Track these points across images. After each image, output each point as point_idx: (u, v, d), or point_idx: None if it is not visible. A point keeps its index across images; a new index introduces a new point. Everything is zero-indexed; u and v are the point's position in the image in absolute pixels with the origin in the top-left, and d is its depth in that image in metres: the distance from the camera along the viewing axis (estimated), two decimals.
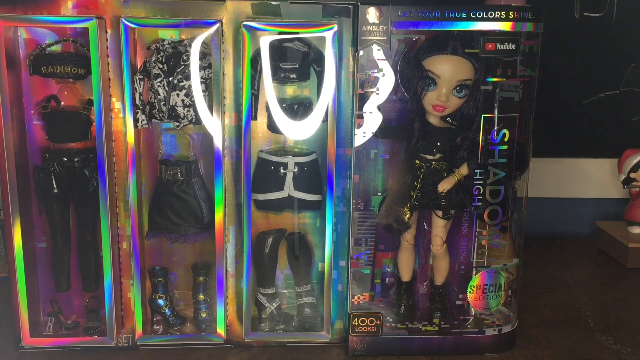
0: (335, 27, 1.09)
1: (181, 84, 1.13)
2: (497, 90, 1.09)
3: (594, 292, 1.49)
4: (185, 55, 1.13)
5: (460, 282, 1.19)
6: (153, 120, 1.16)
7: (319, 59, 1.14)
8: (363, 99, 1.10)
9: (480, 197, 1.14)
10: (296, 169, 1.19)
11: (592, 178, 1.83)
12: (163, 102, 1.14)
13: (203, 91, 1.13)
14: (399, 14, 1.07)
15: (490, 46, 1.07)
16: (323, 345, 1.21)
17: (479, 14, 1.07)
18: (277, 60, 1.14)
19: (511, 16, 1.07)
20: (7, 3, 1.08)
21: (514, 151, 1.13)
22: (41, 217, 1.20)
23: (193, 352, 1.19)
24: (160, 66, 1.13)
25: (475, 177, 1.13)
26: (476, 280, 1.18)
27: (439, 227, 1.16)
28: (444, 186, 1.13)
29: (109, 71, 1.12)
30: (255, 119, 1.18)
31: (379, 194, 1.14)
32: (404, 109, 1.11)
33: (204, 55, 1.13)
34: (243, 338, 1.20)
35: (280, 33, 1.11)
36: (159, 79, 1.13)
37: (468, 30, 1.07)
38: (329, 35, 1.09)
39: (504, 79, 1.09)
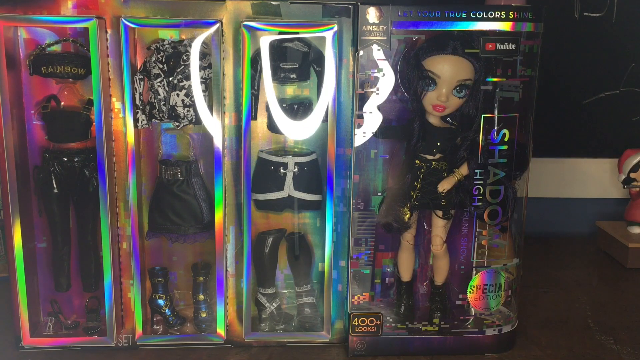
0: (335, 27, 1.09)
1: (181, 84, 1.13)
2: (497, 90, 1.09)
3: (594, 292, 1.49)
4: (185, 55, 1.13)
5: (460, 282, 1.19)
6: (153, 120, 1.16)
7: (319, 59, 1.14)
8: (363, 99, 1.10)
9: (480, 197, 1.14)
10: (296, 169, 1.19)
11: (592, 178, 1.83)
12: (163, 102, 1.14)
13: (203, 91, 1.13)
14: (399, 14, 1.07)
15: (490, 46, 1.07)
16: (323, 345, 1.21)
17: (479, 14, 1.07)
18: (277, 60, 1.14)
19: (511, 16, 1.07)
20: (7, 3, 1.07)
21: (514, 151, 1.13)
22: (41, 217, 1.20)
23: (193, 352, 1.19)
24: (160, 66, 1.13)
25: (475, 177, 1.13)
26: (476, 280, 1.18)
27: (439, 227, 1.16)
28: (444, 186, 1.13)
29: (109, 71, 1.12)
30: (255, 119, 1.18)
31: (379, 194, 1.14)
32: (404, 109, 1.11)
33: (204, 55, 1.13)
34: (243, 338, 1.20)
35: (280, 33, 1.11)
36: (159, 79, 1.13)
37: (468, 30, 1.07)
38: (329, 35, 1.09)
39: (504, 79, 1.09)
